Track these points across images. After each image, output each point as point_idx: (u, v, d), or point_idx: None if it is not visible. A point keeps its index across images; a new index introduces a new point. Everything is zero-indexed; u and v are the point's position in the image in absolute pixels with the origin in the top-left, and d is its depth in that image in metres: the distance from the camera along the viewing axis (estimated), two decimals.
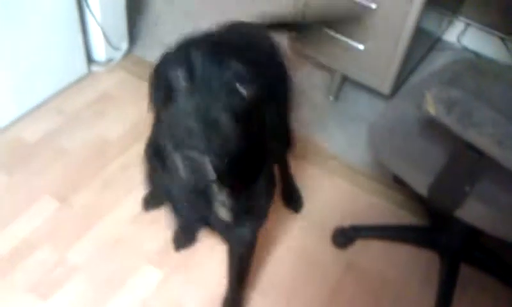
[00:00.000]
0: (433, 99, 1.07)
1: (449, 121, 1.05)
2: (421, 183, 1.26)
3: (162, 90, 0.85)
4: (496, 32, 2.55)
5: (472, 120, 1.04)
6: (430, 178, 1.23)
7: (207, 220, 1.14)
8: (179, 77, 0.80)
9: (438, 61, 2.53)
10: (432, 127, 1.22)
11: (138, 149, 1.90)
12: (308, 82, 2.33)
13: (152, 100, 0.91)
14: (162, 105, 0.85)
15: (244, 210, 1.09)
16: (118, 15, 2.19)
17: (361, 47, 1.96)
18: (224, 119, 0.77)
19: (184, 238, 1.66)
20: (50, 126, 1.96)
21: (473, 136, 1.03)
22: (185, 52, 0.82)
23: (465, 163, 1.12)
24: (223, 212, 1.04)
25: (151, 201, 1.74)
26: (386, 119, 1.40)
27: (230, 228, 1.13)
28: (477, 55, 2.62)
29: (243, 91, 0.80)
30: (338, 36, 1.98)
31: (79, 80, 2.14)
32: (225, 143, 0.77)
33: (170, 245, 1.65)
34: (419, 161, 1.28)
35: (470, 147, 1.06)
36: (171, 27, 2.51)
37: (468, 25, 2.62)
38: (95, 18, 2.07)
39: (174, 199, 1.13)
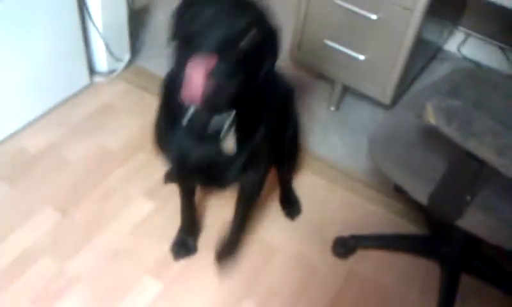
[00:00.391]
0: (433, 109, 1.07)
1: (449, 130, 1.05)
2: (421, 192, 1.25)
3: (184, 17, 1.05)
4: (496, 42, 2.56)
5: (472, 130, 1.04)
6: (430, 187, 1.22)
7: (209, 171, 1.27)
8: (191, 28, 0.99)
9: (438, 71, 2.55)
10: (432, 136, 1.22)
11: (139, 160, 1.92)
12: (309, 93, 2.33)
13: (174, 26, 1.11)
14: (183, 29, 1.04)
15: (247, 147, 1.24)
16: (120, 27, 2.20)
17: (361, 57, 1.97)
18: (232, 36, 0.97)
19: (183, 248, 1.67)
20: (52, 137, 1.96)
21: (474, 145, 1.03)
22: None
23: (466, 172, 1.12)
24: (229, 143, 1.19)
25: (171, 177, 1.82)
26: (386, 128, 1.41)
27: (237, 170, 1.27)
28: (477, 64, 2.63)
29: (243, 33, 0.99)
30: (339, 46, 1.99)
31: (81, 91, 2.15)
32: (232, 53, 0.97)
33: (170, 256, 1.65)
34: (419, 170, 1.28)
35: (471, 156, 1.06)
36: None
37: (468, 35, 2.63)
38: (98, 30, 2.08)
39: (180, 141, 1.22)
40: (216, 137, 1.18)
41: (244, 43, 1.00)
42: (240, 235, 1.65)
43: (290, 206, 1.86)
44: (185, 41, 1.00)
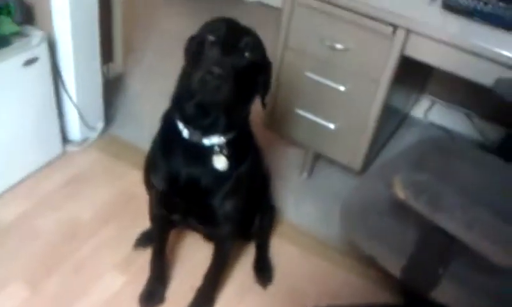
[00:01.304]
0: (402, 183, 1.10)
1: (418, 205, 1.07)
2: (394, 265, 1.26)
3: (195, 44, 1.23)
4: (461, 109, 2.67)
5: (441, 204, 1.06)
6: (403, 260, 1.23)
7: (197, 192, 1.36)
8: (210, 36, 1.19)
9: (407, 136, 2.63)
10: (403, 207, 1.24)
11: (110, 230, 1.90)
12: (281, 159, 2.36)
13: (186, 52, 1.29)
14: (192, 54, 1.24)
15: (235, 171, 1.36)
16: (94, 96, 2.22)
17: (331, 125, 2.02)
18: (234, 65, 1.15)
19: (151, 299, 1.68)
20: (23, 209, 1.93)
21: (443, 220, 1.05)
22: (214, 24, 1.22)
23: (437, 246, 1.14)
24: (220, 161, 1.31)
25: (143, 241, 1.86)
26: (357, 199, 1.43)
27: (223, 195, 1.38)
28: (444, 130, 2.72)
29: (247, 54, 1.19)
30: (309, 115, 2.05)
31: (53, 160, 2.14)
32: (230, 79, 1.13)
33: None
34: (391, 242, 1.29)
35: (441, 230, 1.08)
36: (147, 106, 2.55)
37: (434, 102, 2.73)
38: (71, 100, 2.10)
39: (174, 161, 1.35)
40: (207, 158, 1.31)
41: (243, 61, 1.19)
42: (216, 286, 1.71)
43: (264, 273, 1.85)
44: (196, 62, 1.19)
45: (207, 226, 1.55)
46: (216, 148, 1.30)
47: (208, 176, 1.34)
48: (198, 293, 1.67)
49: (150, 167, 1.45)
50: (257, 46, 1.24)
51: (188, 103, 1.25)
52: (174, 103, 1.33)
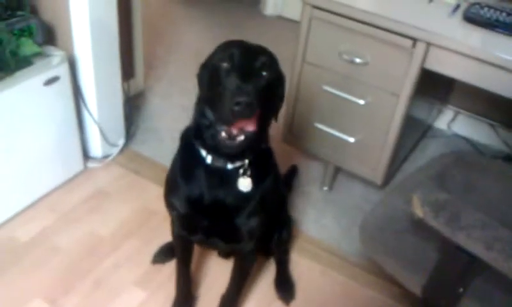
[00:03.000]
0: (420, 202, 1.07)
1: (437, 224, 1.05)
2: (414, 284, 1.24)
3: (208, 72, 1.23)
4: (485, 119, 2.61)
5: (460, 223, 1.03)
6: (423, 279, 1.21)
7: (221, 213, 1.36)
8: (224, 64, 1.17)
9: (430, 148, 2.59)
10: (422, 225, 1.21)
11: (130, 246, 1.90)
12: (302, 173, 2.35)
13: (199, 81, 1.28)
14: (208, 83, 1.23)
15: (259, 190, 1.35)
16: (115, 113, 2.25)
17: (351, 139, 1.99)
18: (254, 88, 1.13)
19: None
20: (44, 225, 1.95)
21: (462, 239, 1.02)
22: (226, 50, 1.21)
23: (457, 264, 1.11)
24: (245, 183, 1.31)
25: (161, 256, 1.87)
26: (377, 216, 1.40)
27: (247, 215, 1.37)
28: (468, 141, 2.67)
29: (264, 73, 1.18)
30: (329, 129, 2.03)
31: (74, 177, 2.16)
32: (256, 104, 1.12)
33: None
34: (411, 260, 1.27)
35: (461, 249, 1.05)
36: (168, 122, 2.57)
37: (457, 113, 2.68)
38: (93, 117, 2.13)
39: (197, 182, 1.34)
40: (231, 180, 1.31)
41: (263, 81, 1.18)
42: (240, 294, 1.69)
43: (285, 289, 1.83)
44: (216, 95, 1.18)
45: (231, 243, 1.51)
46: (241, 171, 1.30)
47: (232, 196, 1.34)
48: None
49: (171, 190, 1.43)
50: (272, 63, 1.23)
51: (208, 131, 1.24)
52: (194, 133, 1.31)
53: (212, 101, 1.20)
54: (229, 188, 1.33)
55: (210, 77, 1.22)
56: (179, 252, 1.64)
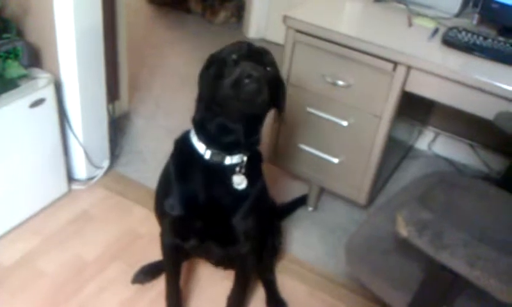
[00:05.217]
0: (404, 221, 1.09)
1: (421, 243, 1.07)
2: (400, 302, 1.25)
3: (216, 66, 1.28)
4: (465, 140, 2.67)
5: (443, 242, 1.06)
6: (408, 297, 1.22)
7: (217, 213, 1.39)
8: (232, 55, 1.25)
9: (412, 168, 2.63)
10: (407, 244, 1.23)
11: (115, 269, 1.89)
12: (286, 194, 2.36)
13: (203, 80, 1.33)
14: (214, 76, 1.27)
15: (253, 189, 1.40)
16: (100, 135, 2.25)
17: (335, 160, 2.02)
18: (261, 77, 1.20)
19: None
20: (28, 248, 1.93)
21: (446, 258, 1.04)
22: (234, 46, 1.29)
23: (441, 283, 1.13)
24: (240, 180, 1.36)
25: (141, 276, 1.85)
26: (362, 236, 1.42)
27: (243, 215, 1.41)
28: (448, 161, 2.72)
29: (269, 68, 1.27)
30: (312, 150, 2.06)
31: (59, 199, 2.15)
32: (265, 84, 1.21)
33: None
34: (396, 279, 1.28)
35: (444, 268, 1.07)
36: (152, 143, 2.58)
37: (437, 133, 2.74)
38: (78, 139, 2.12)
39: (193, 184, 1.37)
40: (227, 178, 1.35)
41: (268, 74, 1.26)
42: (245, 294, 1.73)
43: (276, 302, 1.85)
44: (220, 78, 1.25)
45: (227, 246, 1.52)
46: (237, 168, 1.35)
47: (227, 196, 1.38)
48: None
49: (164, 194, 1.44)
50: (275, 63, 1.32)
51: (212, 122, 1.30)
52: (196, 126, 1.35)
53: (219, 93, 1.24)
54: (225, 187, 1.36)
55: (218, 68, 1.27)
56: (170, 265, 1.63)
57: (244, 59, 1.23)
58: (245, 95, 1.18)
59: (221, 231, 1.44)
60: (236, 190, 1.37)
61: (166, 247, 1.58)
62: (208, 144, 1.32)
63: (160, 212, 1.48)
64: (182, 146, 1.41)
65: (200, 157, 1.33)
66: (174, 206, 1.40)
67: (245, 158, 1.35)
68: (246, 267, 1.61)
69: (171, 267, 1.63)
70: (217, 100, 1.25)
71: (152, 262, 1.87)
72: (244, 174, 1.36)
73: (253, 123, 1.33)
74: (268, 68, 1.27)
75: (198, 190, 1.37)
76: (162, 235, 1.56)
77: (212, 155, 1.32)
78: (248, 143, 1.33)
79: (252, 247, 1.52)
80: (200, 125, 1.34)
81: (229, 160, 1.33)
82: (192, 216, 1.41)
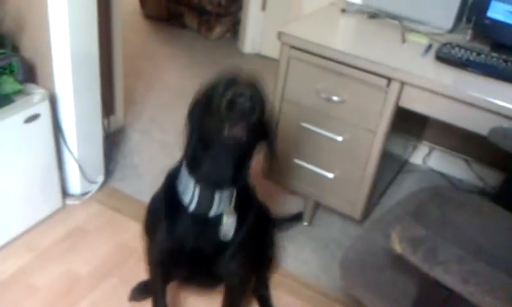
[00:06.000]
0: (398, 237, 1.09)
1: (415, 259, 1.07)
2: None
3: (203, 105, 1.26)
4: (459, 155, 2.68)
5: (438, 258, 1.06)
6: None
7: (204, 253, 1.40)
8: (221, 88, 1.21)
9: (406, 183, 2.63)
10: (401, 260, 1.23)
11: (108, 285, 1.88)
12: (281, 208, 2.36)
13: (192, 114, 1.32)
14: (202, 114, 1.26)
15: (242, 230, 1.40)
16: (95, 150, 2.25)
17: (330, 175, 2.03)
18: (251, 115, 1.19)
19: None
20: (21, 263, 1.92)
21: (440, 274, 1.04)
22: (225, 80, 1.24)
23: (435, 299, 1.13)
24: (228, 226, 1.36)
25: (139, 293, 1.83)
26: (356, 252, 1.42)
27: (231, 255, 1.41)
28: (443, 176, 2.73)
29: (257, 108, 1.21)
30: (308, 165, 2.06)
31: (53, 215, 2.14)
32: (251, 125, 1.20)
33: None
34: (390, 295, 1.28)
35: (438, 284, 1.07)
36: (147, 158, 2.58)
37: (432, 148, 2.75)
38: (72, 155, 2.12)
39: (180, 224, 1.38)
40: (216, 223, 1.36)
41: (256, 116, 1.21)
42: None
43: None
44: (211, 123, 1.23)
45: (215, 280, 1.58)
46: (227, 206, 1.35)
47: (214, 244, 1.39)
48: None
49: (152, 222, 1.47)
50: (263, 98, 1.28)
51: (203, 155, 1.30)
52: (187, 160, 1.35)
53: (209, 125, 1.24)
54: (212, 235, 1.37)
55: (206, 104, 1.25)
56: (157, 282, 1.60)
57: (234, 86, 1.21)
58: (236, 115, 1.18)
59: (208, 272, 1.47)
60: (221, 241, 1.38)
61: (153, 262, 1.57)
62: (199, 179, 1.32)
63: (148, 235, 1.50)
64: (171, 187, 1.40)
65: (186, 207, 1.35)
66: (161, 241, 1.42)
67: (235, 193, 1.36)
68: (235, 297, 1.62)
69: (158, 283, 1.60)
70: (209, 128, 1.24)
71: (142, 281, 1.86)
72: (235, 208, 1.36)
73: (244, 156, 1.33)
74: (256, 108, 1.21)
75: (184, 238, 1.38)
76: (149, 251, 1.55)
77: (196, 207, 1.33)
78: (237, 177, 1.34)
79: (242, 279, 1.54)
80: (191, 160, 1.33)
81: (213, 211, 1.34)
82: (178, 255, 1.42)
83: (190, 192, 1.33)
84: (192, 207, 1.34)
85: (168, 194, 1.41)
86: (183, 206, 1.35)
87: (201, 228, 1.37)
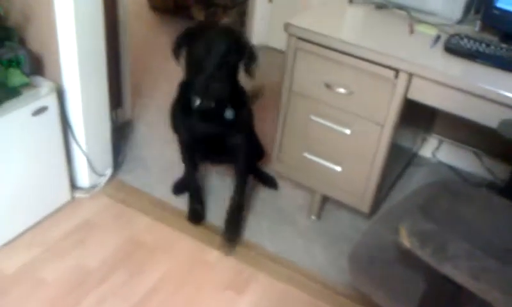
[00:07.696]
0: (407, 232, 1.08)
1: (424, 254, 1.06)
2: None
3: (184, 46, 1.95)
4: (469, 147, 2.65)
5: (447, 253, 1.05)
6: None
7: (214, 137, 2.03)
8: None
9: (415, 176, 2.61)
10: (409, 255, 1.22)
11: (117, 279, 1.88)
12: (290, 202, 2.36)
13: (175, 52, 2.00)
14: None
15: (238, 115, 1.98)
16: (103, 143, 2.25)
17: (338, 168, 2.01)
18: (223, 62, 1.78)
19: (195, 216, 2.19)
20: (30, 257, 1.93)
21: (449, 270, 1.03)
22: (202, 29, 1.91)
23: (444, 294, 1.12)
24: (229, 113, 1.94)
25: (178, 188, 2.34)
26: (365, 247, 1.41)
27: (235, 132, 2.03)
28: (452, 169, 2.70)
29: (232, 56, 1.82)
30: (316, 158, 2.05)
31: (62, 208, 2.15)
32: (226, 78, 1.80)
33: None
34: (399, 290, 1.27)
35: (447, 279, 1.06)
36: (155, 150, 2.58)
37: (441, 141, 2.72)
38: (80, 147, 2.12)
39: (191, 121, 1.99)
40: (216, 116, 1.95)
41: (230, 58, 1.81)
42: (242, 203, 2.18)
43: (268, 180, 2.43)
44: (195, 63, 1.82)
45: (226, 158, 2.21)
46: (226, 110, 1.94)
47: (220, 124, 1.96)
48: (231, 202, 2.15)
49: (174, 123, 2.08)
50: (236, 41, 1.83)
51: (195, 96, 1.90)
52: (187, 87, 1.93)
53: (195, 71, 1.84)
54: (215, 121, 1.96)
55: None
56: (188, 159, 2.18)
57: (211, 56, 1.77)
58: (209, 95, 1.80)
59: (220, 149, 2.11)
60: (225, 119, 1.94)
61: (183, 149, 2.15)
62: (197, 93, 1.86)
63: (175, 132, 2.10)
64: (182, 91, 2.01)
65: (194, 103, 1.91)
66: (183, 133, 2.07)
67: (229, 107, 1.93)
68: (241, 163, 2.13)
69: (189, 163, 2.18)
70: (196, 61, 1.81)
71: (179, 178, 2.34)
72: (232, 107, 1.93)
73: (229, 76, 1.82)
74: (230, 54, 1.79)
75: (198, 126, 1.97)
76: (179, 141, 2.13)
77: (201, 102, 1.89)
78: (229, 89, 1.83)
79: (244, 138, 2.07)
80: (190, 83, 1.87)
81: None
82: (194, 141, 2.06)
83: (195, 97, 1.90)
84: (198, 104, 1.90)
85: (181, 99, 1.99)
86: (193, 105, 1.91)
87: (209, 116, 1.93)
